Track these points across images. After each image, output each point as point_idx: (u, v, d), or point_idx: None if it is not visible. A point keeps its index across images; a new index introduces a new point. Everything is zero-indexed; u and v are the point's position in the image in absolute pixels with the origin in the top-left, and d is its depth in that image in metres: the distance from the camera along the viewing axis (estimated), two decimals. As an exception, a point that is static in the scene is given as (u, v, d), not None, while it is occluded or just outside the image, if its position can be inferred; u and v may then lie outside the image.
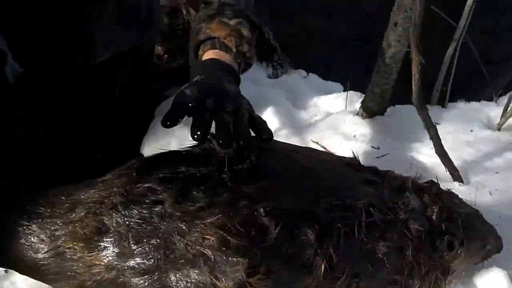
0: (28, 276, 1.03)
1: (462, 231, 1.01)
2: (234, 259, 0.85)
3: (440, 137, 1.41)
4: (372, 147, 1.52)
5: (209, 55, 1.22)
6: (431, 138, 1.41)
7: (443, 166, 1.43)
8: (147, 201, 0.93)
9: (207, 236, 0.87)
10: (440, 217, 1.00)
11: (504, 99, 1.72)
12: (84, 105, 1.34)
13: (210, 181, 0.94)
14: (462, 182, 1.42)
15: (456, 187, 1.39)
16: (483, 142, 1.60)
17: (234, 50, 1.22)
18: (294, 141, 1.54)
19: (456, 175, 1.43)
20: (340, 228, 0.90)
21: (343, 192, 0.97)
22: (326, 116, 1.68)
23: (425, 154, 1.51)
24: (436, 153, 1.42)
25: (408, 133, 1.59)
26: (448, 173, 1.43)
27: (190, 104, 0.98)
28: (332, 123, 1.63)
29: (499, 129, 1.67)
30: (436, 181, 1.09)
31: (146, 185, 0.95)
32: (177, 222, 0.90)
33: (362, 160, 1.46)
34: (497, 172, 1.47)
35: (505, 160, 1.52)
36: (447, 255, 0.99)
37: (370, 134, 1.58)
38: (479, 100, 1.85)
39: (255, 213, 0.89)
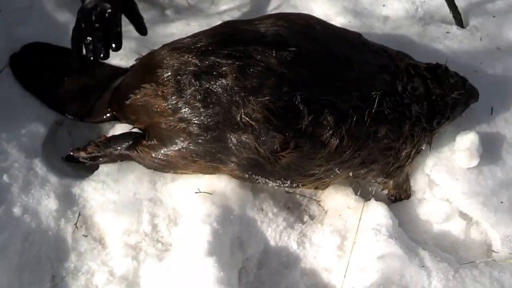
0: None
1: (451, 110, 1.31)
2: (273, 133, 1.14)
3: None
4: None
5: None
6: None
7: (448, 9, 1.62)
8: (214, 73, 1.15)
9: (256, 113, 1.13)
10: (437, 101, 1.29)
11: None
12: None
13: (263, 62, 1.15)
14: (462, 26, 1.63)
15: (454, 31, 1.62)
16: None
17: None
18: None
19: (458, 18, 1.63)
20: (354, 115, 1.17)
21: (364, 82, 1.20)
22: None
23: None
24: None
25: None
26: (451, 15, 1.63)
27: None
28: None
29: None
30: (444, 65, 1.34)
31: (213, 58, 1.17)
32: (235, 96, 1.14)
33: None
34: (494, 16, 1.66)
35: (504, 3, 1.71)
36: (437, 128, 1.31)
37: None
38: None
39: (293, 99, 1.14)
